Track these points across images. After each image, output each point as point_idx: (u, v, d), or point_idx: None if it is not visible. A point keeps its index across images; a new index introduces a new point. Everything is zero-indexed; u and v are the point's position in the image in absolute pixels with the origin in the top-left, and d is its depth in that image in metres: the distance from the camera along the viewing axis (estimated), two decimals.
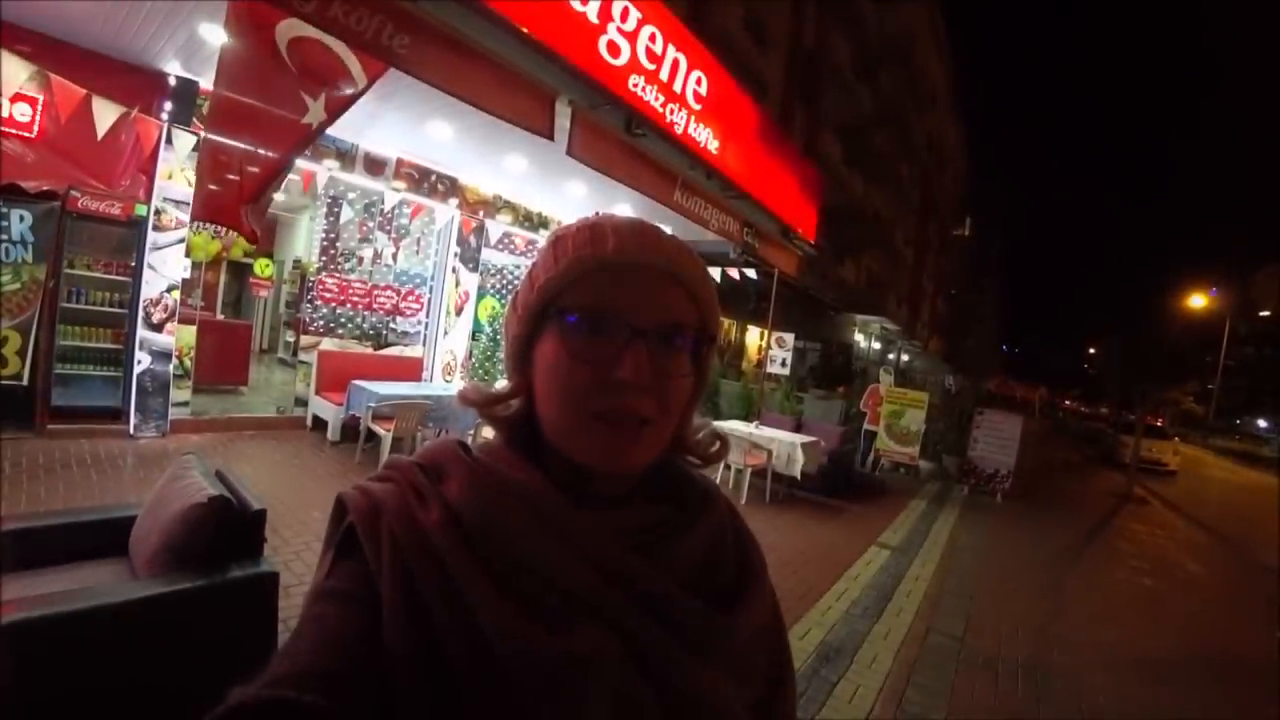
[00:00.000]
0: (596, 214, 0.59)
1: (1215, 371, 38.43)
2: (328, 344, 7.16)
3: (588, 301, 0.53)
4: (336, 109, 4.08)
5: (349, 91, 3.99)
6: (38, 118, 4.86)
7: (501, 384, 0.62)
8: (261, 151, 4.10)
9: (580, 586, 0.50)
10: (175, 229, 5.37)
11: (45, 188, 4.86)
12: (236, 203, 4.18)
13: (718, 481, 6.60)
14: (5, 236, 4.70)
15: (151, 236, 5.27)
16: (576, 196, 7.90)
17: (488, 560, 0.49)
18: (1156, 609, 5.34)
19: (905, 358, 32.87)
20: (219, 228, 4.71)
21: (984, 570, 5.49)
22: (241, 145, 4.10)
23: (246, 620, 2.00)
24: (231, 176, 4.07)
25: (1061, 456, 17.59)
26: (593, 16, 4.50)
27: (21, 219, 4.75)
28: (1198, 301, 31.38)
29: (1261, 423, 45.94)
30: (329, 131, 6.13)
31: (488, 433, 0.63)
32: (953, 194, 42.41)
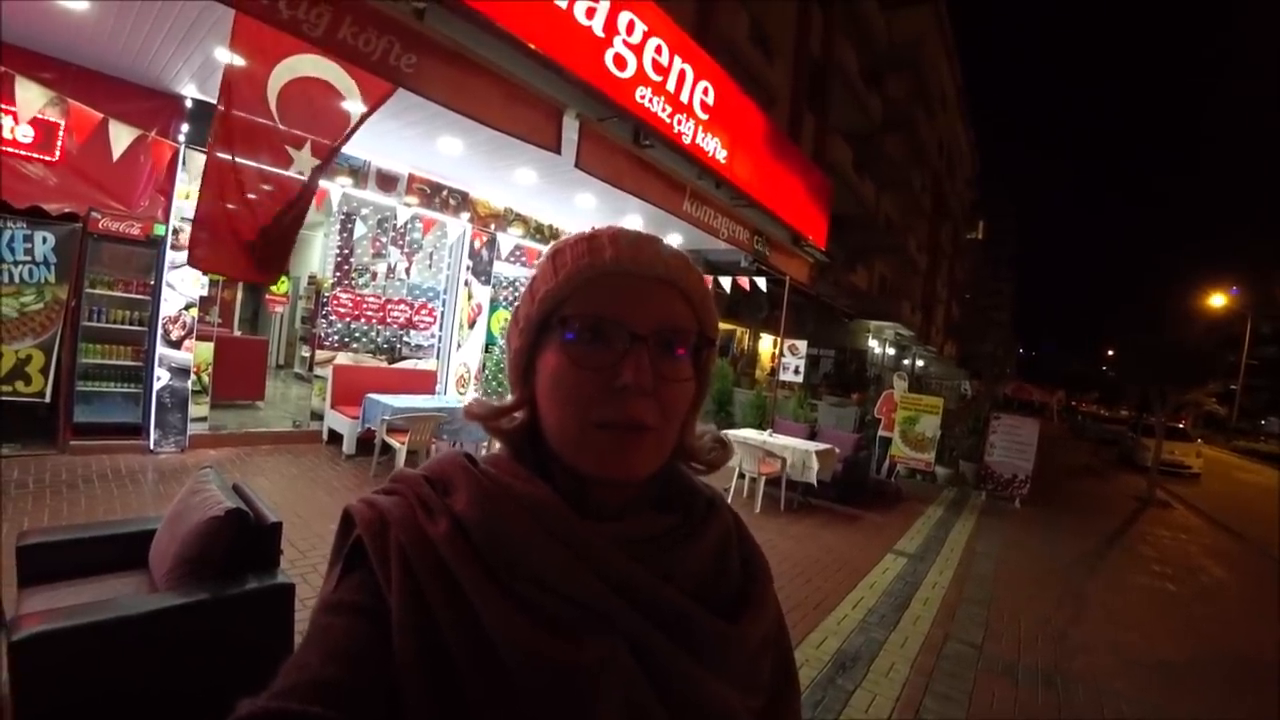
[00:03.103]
0: (593, 228, 0.60)
1: (1238, 372, 37.85)
2: (342, 358, 7.24)
3: (587, 310, 0.54)
4: (327, 152, 4.16)
5: (347, 121, 4.07)
6: (59, 142, 4.98)
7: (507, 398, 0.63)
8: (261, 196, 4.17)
9: (588, 597, 0.50)
10: None
11: (67, 209, 4.99)
12: (240, 248, 4.23)
13: (732, 490, 6.61)
14: (29, 257, 4.81)
15: (170, 255, 5.37)
16: (587, 208, 7.95)
17: (495, 571, 0.49)
18: (1179, 614, 5.24)
19: (920, 363, 32.67)
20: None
21: (1003, 576, 5.42)
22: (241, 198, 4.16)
23: (263, 631, 2.02)
24: (237, 213, 4.11)
25: (1081, 460, 17.35)
26: (599, 30, 4.55)
27: (44, 240, 4.85)
28: (1218, 301, 30.96)
29: None
30: (343, 150, 6.26)
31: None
32: (965, 198, 42.19)
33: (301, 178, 4.20)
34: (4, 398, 4.81)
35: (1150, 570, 6.49)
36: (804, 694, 2.98)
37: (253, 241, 4.22)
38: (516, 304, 0.61)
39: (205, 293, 5.86)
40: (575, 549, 0.51)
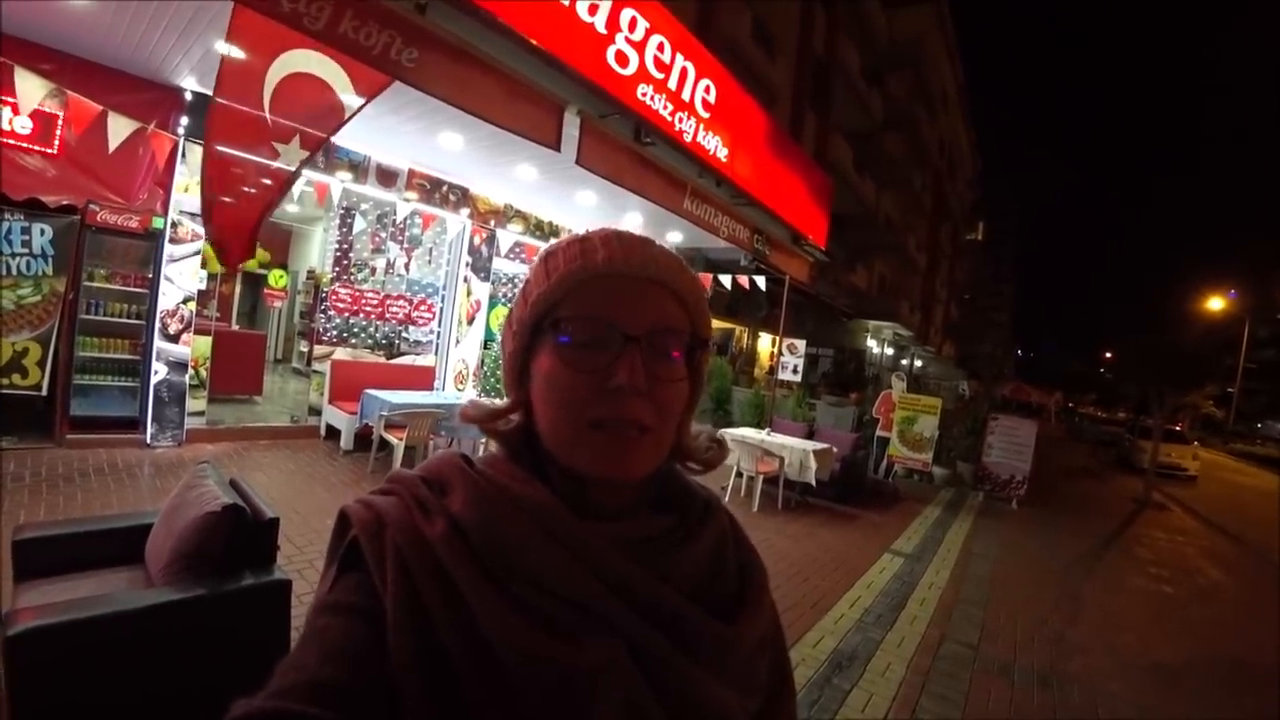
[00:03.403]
0: (587, 230, 0.60)
1: (1236, 375, 37.92)
2: (341, 353, 7.24)
3: (580, 312, 0.54)
4: (316, 144, 4.16)
5: (341, 118, 4.06)
6: (58, 134, 4.96)
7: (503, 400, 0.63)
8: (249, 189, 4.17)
9: (586, 598, 0.50)
10: (191, 241, 5.45)
11: (65, 202, 4.96)
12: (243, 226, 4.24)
13: (730, 488, 6.61)
14: (26, 250, 4.79)
15: (168, 249, 5.36)
16: (587, 205, 7.94)
17: (492, 572, 0.50)
18: (1175, 616, 5.25)
19: (918, 363, 32.68)
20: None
21: (999, 577, 5.43)
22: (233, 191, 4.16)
23: (259, 627, 2.02)
24: (236, 204, 4.13)
25: (1078, 461, 17.38)
26: (601, 27, 4.53)
27: (42, 233, 4.84)
28: (1216, 304, 30.99)
29: None
30: (342, 144, 6.25)
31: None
32: (965, 199, 42.17)
33: (290, 168, 4.19)
34: (0, 391, 4.80)
35: (1146, 572, 6.50)
36: (800, 693, 2.98)
37: (253, 230, 4.25)
38: (511, 307, 0.61)
39: (204, 286, 5.84)
40: (573, 550, 0.51)
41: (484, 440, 5.87)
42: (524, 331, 0.57)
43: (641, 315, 0.54)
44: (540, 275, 0.57)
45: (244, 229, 4.25)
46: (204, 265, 5.69)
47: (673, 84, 5.33)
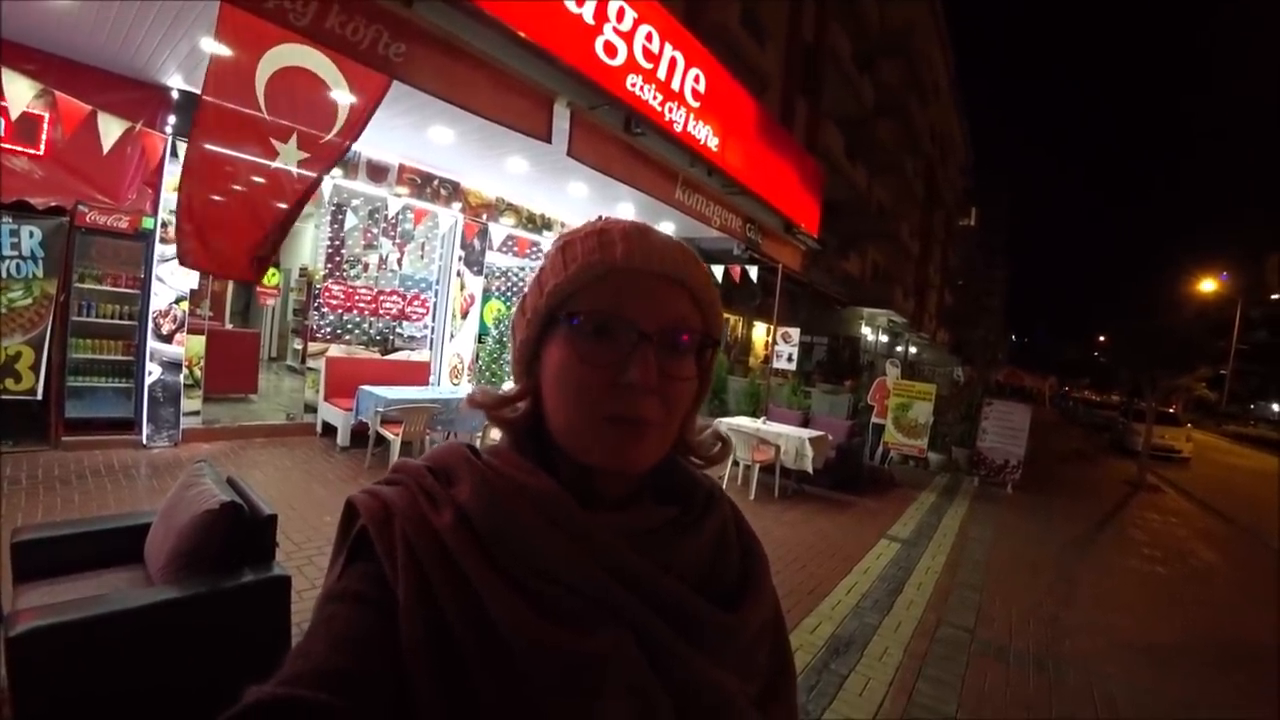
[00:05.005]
0: (600, 217, 0.60)
1: (1228, 357, 38.10)
2: (335, 350, 7.21)
3: (597, 306, 0.54)
4: (338, 151, 4.14)
5: (335, 113, 4.04)
6: (45, 135, 4.92)
7: (508, 386, 0.63)
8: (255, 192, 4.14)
9: (591, 586, 0.51)
10: None
11: (54, 203, 4.93)
12: (243, 249, 4.21)
13: (726, 477, 6.63)
14: (16, 252, 4.76)
15: (159, 249, 5.33)
16: (579, 197, 7.91)
17: (500, 561, 0.50)
18: (1169, 597, 5.31)
19: (913, 350, 32.78)
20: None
21: (995, 561, 5.47)
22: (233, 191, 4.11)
23: (260, 623, 2.03)
24: (229, 208, 4.09)
25: (1072, 445, 17.48)
26: (588, 18, 4.51)
27: (31, 235, 4.80)
28: (1209, 286, 31.08)
29: (1276, 407, 45.47)
30: None
31: (495, 435, 0.64)
32: (958, 185, 42.17)
33: (310, 174, 4.16)
34: None
35: (1140, 554, 6.56)
36: (799, 678, 3.01)
37: (259, 243, 4.21)
38: (523, 293, 0.61)
39: (196, 286, 5.81)
40: (579, 539, 0.52)
41: (480, 435, 5.90)
42: (537, 320, 0.57)
43: (657, 312, 0.54)
44: (557, 265, 0.57)
45: (248, 240, 4.19)
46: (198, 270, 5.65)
47: (662, 74, 5.31)
